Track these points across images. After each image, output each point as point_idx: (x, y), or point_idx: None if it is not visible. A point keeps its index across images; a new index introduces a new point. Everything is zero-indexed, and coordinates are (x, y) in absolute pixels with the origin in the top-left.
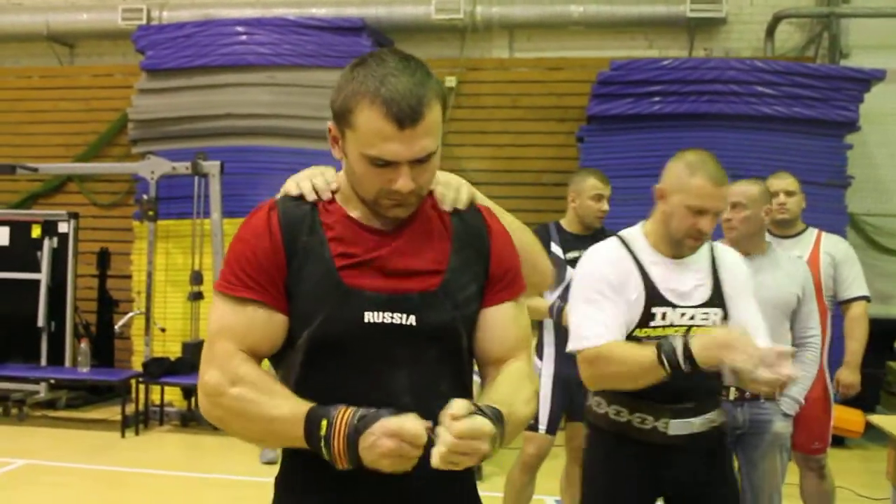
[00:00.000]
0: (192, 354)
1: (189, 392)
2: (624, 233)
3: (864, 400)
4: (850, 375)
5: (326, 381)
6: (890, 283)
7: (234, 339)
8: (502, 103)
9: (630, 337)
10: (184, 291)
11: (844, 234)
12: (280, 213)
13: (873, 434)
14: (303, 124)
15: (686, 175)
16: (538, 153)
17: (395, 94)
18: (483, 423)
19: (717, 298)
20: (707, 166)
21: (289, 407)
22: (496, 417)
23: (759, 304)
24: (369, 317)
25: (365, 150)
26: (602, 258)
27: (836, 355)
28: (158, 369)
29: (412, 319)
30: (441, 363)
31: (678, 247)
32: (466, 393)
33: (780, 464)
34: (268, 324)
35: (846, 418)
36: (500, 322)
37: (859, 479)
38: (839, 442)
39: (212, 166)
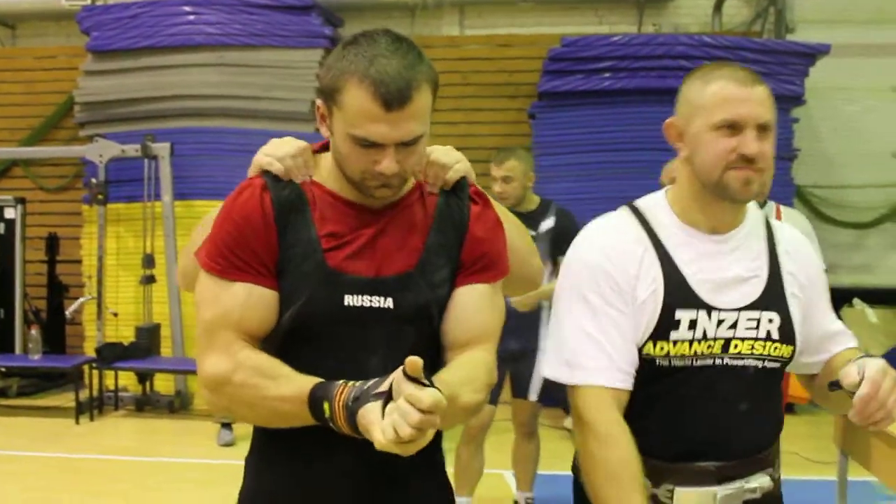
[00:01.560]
0: (145, 338)
1: (143, 376)
2: (640, 202)
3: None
4: None
5: (303, 363)
6: (836, 254)
7: (230, 326)
8: (453, 81)
9: (642, 359)
10: (136, 275)
11: (792, 206)
12: (272, 194)
13: None
14: (253, 104)
15: (700, 87)
16: (490, 130)
17: (384, 76)
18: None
19: (772, 296)
20: (725, 68)
21: (292, 389)
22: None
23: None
24: (349, 300)
25: (351, 129)
26: (601, 240)
27: None
28: (112, 354)
29: (389, 302)
30: (415, 346)
31: (719, 198)
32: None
33: None
34: (263, 305)
35: (794, 384)
36: (468, 305)
37: (808, 443)
38: (787, 408)
39: (161, 148)
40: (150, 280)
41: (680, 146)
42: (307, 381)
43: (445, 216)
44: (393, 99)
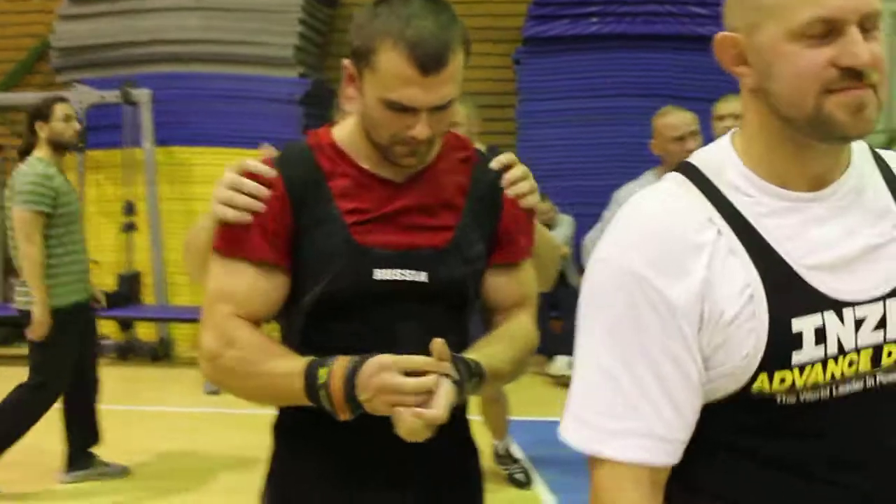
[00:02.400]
0: (127, 286)
1: (126, 324)
2: (696, 158)
3: None
4: None
5: (334, 339)
6: None
7: (232, 303)
8: None
9: (751, 403)
10: (116, 223)
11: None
12: (281, 170)
13: None
14: (235, 49)
15: None
16: (473, 75)
17: (419, 38)
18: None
19: None
20: None
21: (287, 363)
22: (468, 372)
23: None
24: (379, 274)
25: (384, 93)
26: (642, 229)
27: None
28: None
29: (423, 276)
30: (449, 316)
31: (818, 139)
32: (467, 343)
33: None
34: (270, 286)
35: None
36: (503, 281)
37: None
38: None
39: (141, 94)
40: (130, 228)
41: (743, 71)
42: (302, 359)
43: (480, 190)
44: (430, 62)
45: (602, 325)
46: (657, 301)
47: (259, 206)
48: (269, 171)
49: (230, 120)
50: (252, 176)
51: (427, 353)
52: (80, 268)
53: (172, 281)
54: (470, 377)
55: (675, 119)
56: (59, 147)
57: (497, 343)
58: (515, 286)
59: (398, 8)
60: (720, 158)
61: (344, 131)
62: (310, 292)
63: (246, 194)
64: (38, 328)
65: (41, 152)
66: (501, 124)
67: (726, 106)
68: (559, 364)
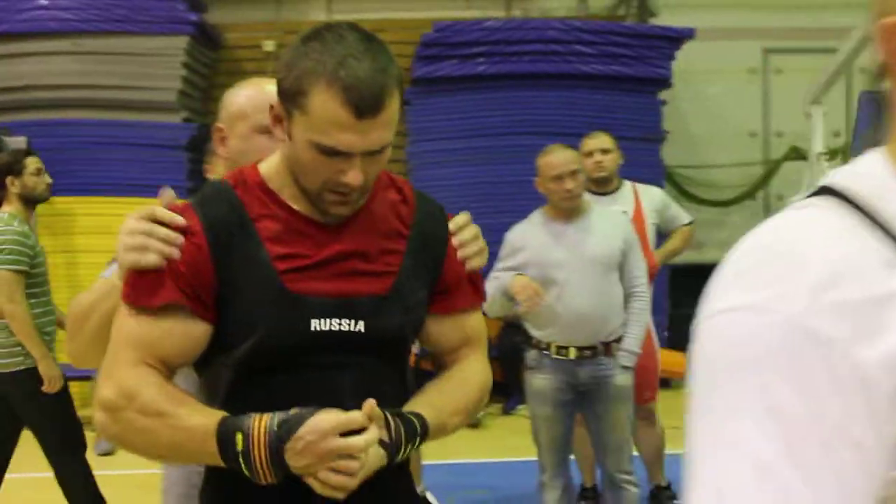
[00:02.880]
0: None
1: None
2: (849, 181)
3: (682, 341)
4: (655, 257)
5: (266, 393)
6: (703, 231)
7: (139, 349)
8: None
9: None
10: None
11: (661, 186)
12: (199, 212)
13: None
14: (115, 94)
15: None
16: None
17: (355, 80)
18: (356, 442)
19: None
20: None
21: (196, 420)
22: (411, 432)
23: (587, 263)
24: (316, 324)
25: (316, 137)
26: (818, 269)
27: (658, 309)
28: None
29: (360, 326)
30: (385, 366)
31: None
32: (406, 392)
33: (625, 415)
34: (186, 332)
35: (672, 361)
36: (450, 329)
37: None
38: (665, 384)
39: (17, 142)
40: None
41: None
42: (215, 413)
43: (422, 233)
44: (366, 106)
45: (757, 400)
46: (846, 370)
47: (173, 251)
48: (179, 218)
49: (113, 167)
50: (161, 222)
51: (361, 400)
52: (53, 327)
53: (57, 338)
54: (411, 437)
55: (554, 158)
56: (30, 202)
57: (446, 392)
58: (459, 333)
59: (332, 45)
60: (877, 179)
61: (271, 169)
62: (241, 345)
63: (158, 240)
64: (53, 382)
65: (11, 207)
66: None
67: (593, 142)
68: None
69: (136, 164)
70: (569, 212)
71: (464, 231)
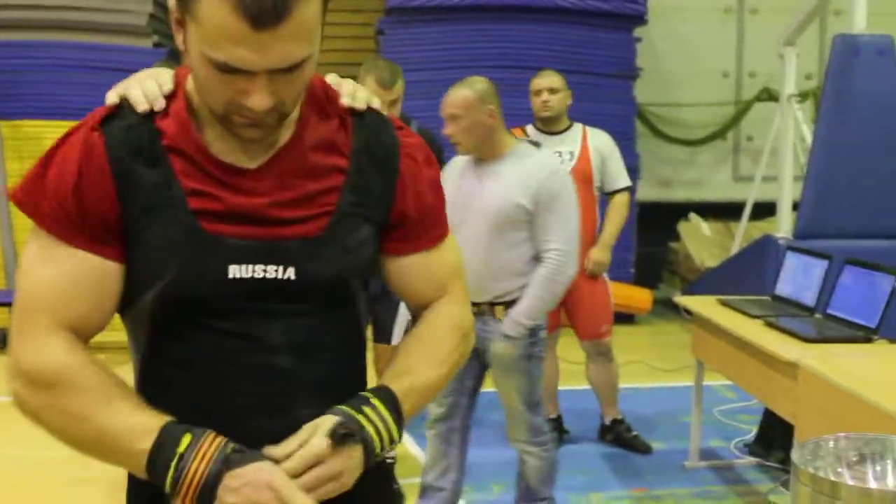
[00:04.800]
0: None
1: None
2: None
3: (649, 278)
4: (600, 253)
5: (188, 349)
6: (672, 169)
7: (53, 311)
8: None
9: None
10: None
11: (632, 124)
12: (104, 133)
13: (658, 309)
14: (85, 16)
15: None
16: (332, 45)
17: None
18: (335, 465)
19: None
20: None
21: (134, 414)
22: (378, 445)
23: (476, 214)
24: (234, 271)
25: (209, 50)
26: None
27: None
28: None
29: (290, 272)
30: (327, 314)
31: None
32: (360, 343)
33: (513, 387)
34: (99, 281)
35: (635, 296)
36: (416, 273)
37: (651, 352)
38: (629, 319)
39: None
40: None
41: None
42: (158, 414)
43: (363, 156)
44: (264, 14)
45: None
46: None
47: (160, 103)
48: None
49: (83, 91)
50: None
51: (302, 360)
52: None
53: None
54: (379, 450)
55: (540, 78)
56: None
57: (418, 359)
58: (427, 274)
59: None
60: None
61: (191, 92)
62: (148, 293)
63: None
64: None
65: None
66: None
67: (541, 81)
68: None
69: (107, 88)
70: (485, 154)
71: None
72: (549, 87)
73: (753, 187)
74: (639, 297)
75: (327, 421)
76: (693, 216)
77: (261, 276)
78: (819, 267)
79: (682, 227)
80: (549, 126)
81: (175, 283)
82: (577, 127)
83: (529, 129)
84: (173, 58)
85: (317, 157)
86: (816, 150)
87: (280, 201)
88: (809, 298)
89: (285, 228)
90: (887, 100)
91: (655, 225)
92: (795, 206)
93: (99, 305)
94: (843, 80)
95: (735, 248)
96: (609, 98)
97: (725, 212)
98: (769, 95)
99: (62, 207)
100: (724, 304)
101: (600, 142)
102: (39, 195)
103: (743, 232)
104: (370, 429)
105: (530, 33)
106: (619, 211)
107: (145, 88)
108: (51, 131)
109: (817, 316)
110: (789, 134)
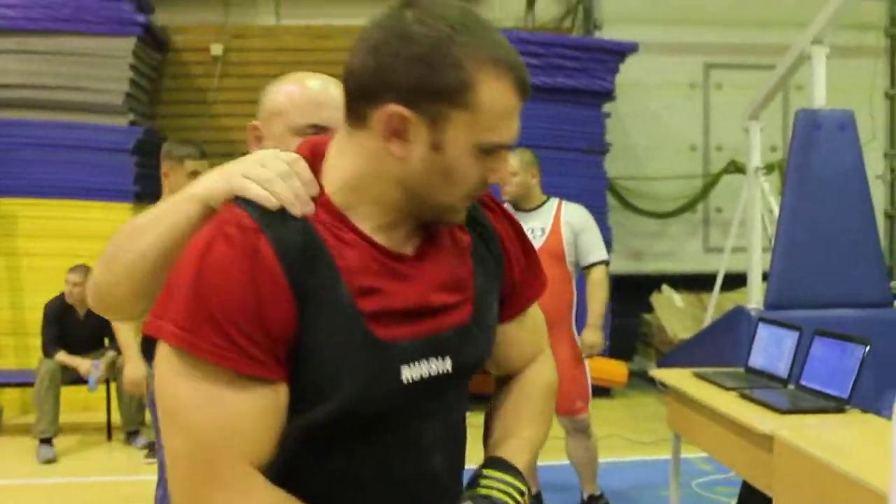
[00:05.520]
0: None
1: None
2: None
3: (624, 350)
4: (592, 335)
5: (343, 463)
6: (643, 241)
7: (244, 452)
8: (271, 72)
9: None
10: None
11: (604, 197)
12: (271, 238)
13: (634, 381)
14: (61, 95)
15: None
16: None
17: (514, 57)
18: None
19: None
20: None
21: None
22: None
23: None
24: (407, 374)
25: (486, 136)
26: None
27: (582, 316)
28: None
29: (448, 364)
30: (459, 399)
31: None
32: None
33: None
34: (281, 408)
35: (610, 370)
36: (517, 336)
37: (627, 425)
38: (605, 392)
39: None
40: None
41: None
42: None
43: (478, 237)
44: (526, 83)
45: None
46: None
47: (309, 207)
48: (315, 185)
49: (59, 170)
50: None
51: (450, 461)
52: None
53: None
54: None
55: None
56: None
57: (529, 423)
58: (528, 336)
59: (473, 29)
60: None
61: (334, 185)
62: (315, 408)
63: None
64: None
65: None
66: None
67: None
68: None
69: (82, 166)
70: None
71: None
72: (509, 172)
73: (724, 258)
74: (616, 371)
75: None
76: (665, 288)
77: (427, 373)
78: (790, 338)
79: (655, 299)
80: (521, 204)
81: (355, 394)
82: (553, 202)
83: (505, 205)
84: (149, 138)
85: (448, 237)
86: (783, 221)
87: (436, 286)
88: (782, 370)
89: (443, 317)
90: (849, 172)
91: (628, 297)
92: (765, 277)
93: (277, 435)
94: (807, 153)
95: (707, 320)
96: (580, 172)
97: (696, 283)
98: (736, 168)
99: (242, 335)
100: (699, 376)
101: (573, 217)
102: (204, 326)
103: (715, 303)
104: (496, 493)
105: None
106: (599, 288)
107: (293, 188)
108: (26, 209)
109: (790, 387)
110: (757, 205)
